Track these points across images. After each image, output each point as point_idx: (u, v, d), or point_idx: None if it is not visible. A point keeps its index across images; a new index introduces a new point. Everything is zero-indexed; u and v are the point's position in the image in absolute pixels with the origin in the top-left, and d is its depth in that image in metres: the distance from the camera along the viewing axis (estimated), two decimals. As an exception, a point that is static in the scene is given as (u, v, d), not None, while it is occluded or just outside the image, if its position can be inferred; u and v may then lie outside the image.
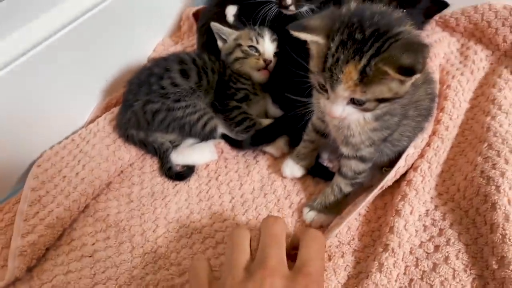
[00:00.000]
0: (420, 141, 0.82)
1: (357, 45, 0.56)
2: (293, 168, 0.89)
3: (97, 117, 1.03)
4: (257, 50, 0.99)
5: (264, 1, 0.97)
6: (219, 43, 1.05)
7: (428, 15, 1.00)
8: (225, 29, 1.03)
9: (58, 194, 0.86)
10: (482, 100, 0.93)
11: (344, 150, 0.76)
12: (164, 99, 0.90)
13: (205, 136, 0.96)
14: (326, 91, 0.62)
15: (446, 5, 0.97)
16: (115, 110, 1.02)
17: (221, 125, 0.98)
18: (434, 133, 0.86)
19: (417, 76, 0.56)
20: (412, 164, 0.82)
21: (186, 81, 0.93)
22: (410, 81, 0.58)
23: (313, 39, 0.60)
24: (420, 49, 0.54)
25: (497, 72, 0.96)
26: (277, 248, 0.57)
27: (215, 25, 1.02)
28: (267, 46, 1.00)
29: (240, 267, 0.56)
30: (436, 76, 0.95)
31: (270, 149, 0.95)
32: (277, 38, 1.02)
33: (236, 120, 0.96)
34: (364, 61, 0.55)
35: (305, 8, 0.96)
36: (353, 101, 0.61)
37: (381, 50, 0.55)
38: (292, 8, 0.94)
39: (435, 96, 0.84)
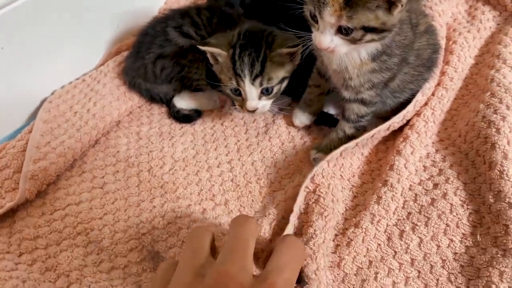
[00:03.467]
0: (427, 89, 0.84)
1: None
2: (301, 117, 0.90)
3: (107, 61, 1.04)
4: (240, 93, 0.83)
5: None
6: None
7: None
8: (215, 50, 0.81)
9: (69, 127, 0.88)
10: (487, 56, 0.94)
11: (346, 93, 0.77)
12: (176, 54, 0.89)
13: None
14: (317, 21, 0.63)
15: None
16: (125, 53, 1.03)
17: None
18: (439, 83, 0.88)
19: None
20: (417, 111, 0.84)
21: (197, 35, 0.91)
22: (396, 9, 0.59)
23: None
24: None
25: (504, 31, 0.97)
26: (242, 252, 0.49)
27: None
28: (248, 89, 0.80)
29: (192, 268, 0.47)
30: (443, 31, 0.96)
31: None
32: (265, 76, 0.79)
33: None
34: None
35: None
36: (340, 31, 0.62)
37: None
38: None
39: (438, 47, 0.86)
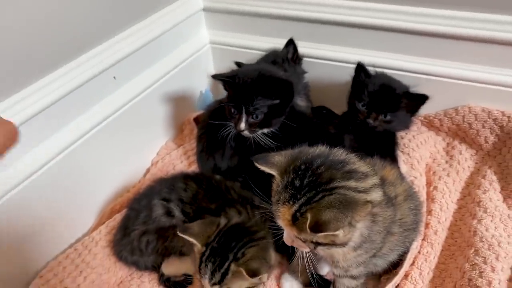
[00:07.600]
0: (414, 248, 0.84)
1: (294, 191, 0.61)
2: (292, 283, 0.89)
3: (101, 223, 1.07)
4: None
5: (224, 124, 1.01)
6: None
7: (413, 111, 1.03)
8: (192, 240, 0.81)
9: (59, 306, 0.88)
10: (469, 201, 0.96)
11: (335, 271, 0.77)
12: (160, 230, 0.91)
13: None
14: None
15: (426, 98, 0.97)
16: (118, 216, 1.05)
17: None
18: (424, 238, 0.88)
19: (339, 233, 0.58)
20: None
21: (181, 214, 0.92)
22: (348, 232, 0.60)
23: (271, 173, 0.65)
24: (345, 209, 0.57)
25: (481, 173, 1.00)
26: None
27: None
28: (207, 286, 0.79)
29: None
30: (423, 180, 0.99)
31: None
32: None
33: None
34: (295, 207, 0.60)
35: (260, 132, 0.99)
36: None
37: (312, 201, 0.59)
38: (246, 133, 0.98)
39: (420, 207, 0.84)
